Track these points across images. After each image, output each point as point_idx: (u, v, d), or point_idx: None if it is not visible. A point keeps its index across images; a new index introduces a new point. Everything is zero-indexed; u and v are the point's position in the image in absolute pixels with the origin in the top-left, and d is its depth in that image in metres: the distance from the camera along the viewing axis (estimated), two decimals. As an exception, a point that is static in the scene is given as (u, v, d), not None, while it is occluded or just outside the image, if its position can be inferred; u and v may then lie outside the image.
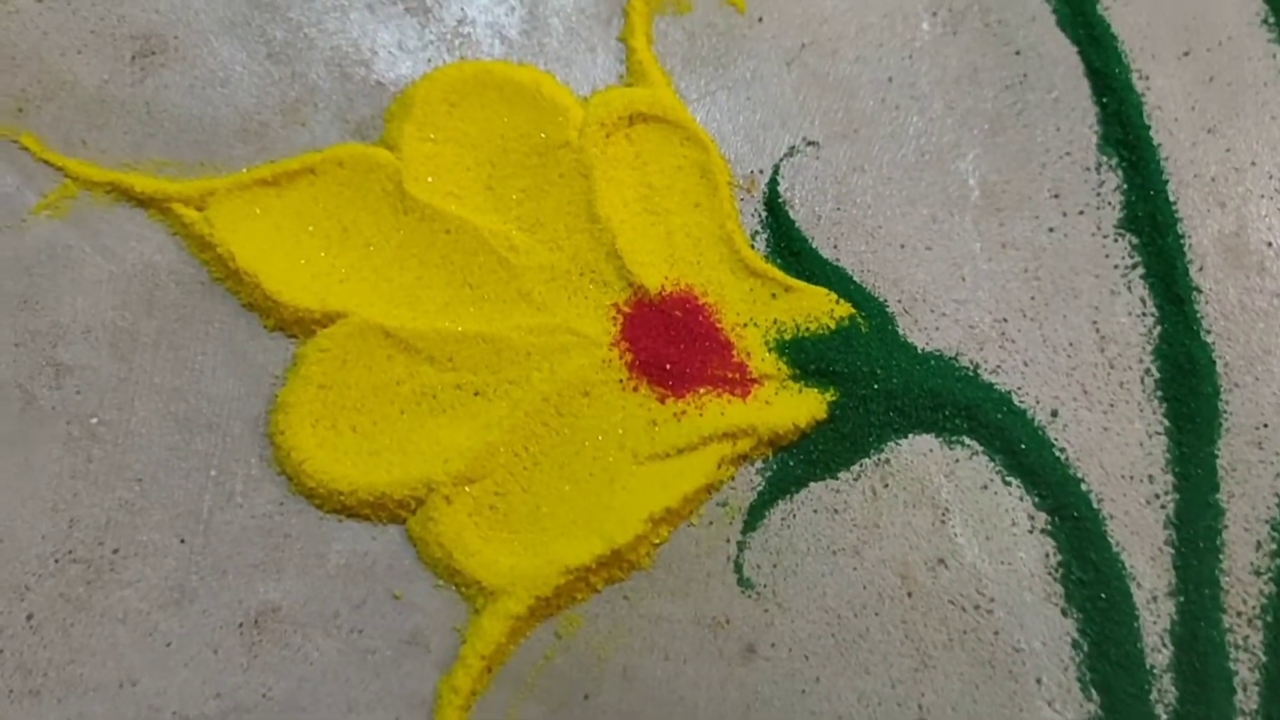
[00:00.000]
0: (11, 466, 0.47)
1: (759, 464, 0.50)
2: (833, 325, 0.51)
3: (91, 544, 0.46)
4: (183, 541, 0.47)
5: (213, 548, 0.47)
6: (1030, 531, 0.49)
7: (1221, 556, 0.49)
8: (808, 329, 0.51)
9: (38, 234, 0.50)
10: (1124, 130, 0.56)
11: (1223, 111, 0.57)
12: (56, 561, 0.46)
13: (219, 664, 0.45)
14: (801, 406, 0.50)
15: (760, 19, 0.58)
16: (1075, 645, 0.47)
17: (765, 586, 0.48)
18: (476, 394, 0.49)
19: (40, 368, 0.48)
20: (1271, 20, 0.59)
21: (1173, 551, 0.49)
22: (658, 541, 0.48)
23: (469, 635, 0.46)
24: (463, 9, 0.56)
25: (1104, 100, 0.56)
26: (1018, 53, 0.58)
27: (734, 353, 0.51)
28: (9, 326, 0.49)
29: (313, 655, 0.46)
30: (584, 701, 0.46)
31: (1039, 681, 0.47)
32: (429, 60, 0.55)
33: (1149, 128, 0.56)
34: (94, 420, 0.48)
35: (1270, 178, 0.55)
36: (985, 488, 0.49)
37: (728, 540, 0.48)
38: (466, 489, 0.48)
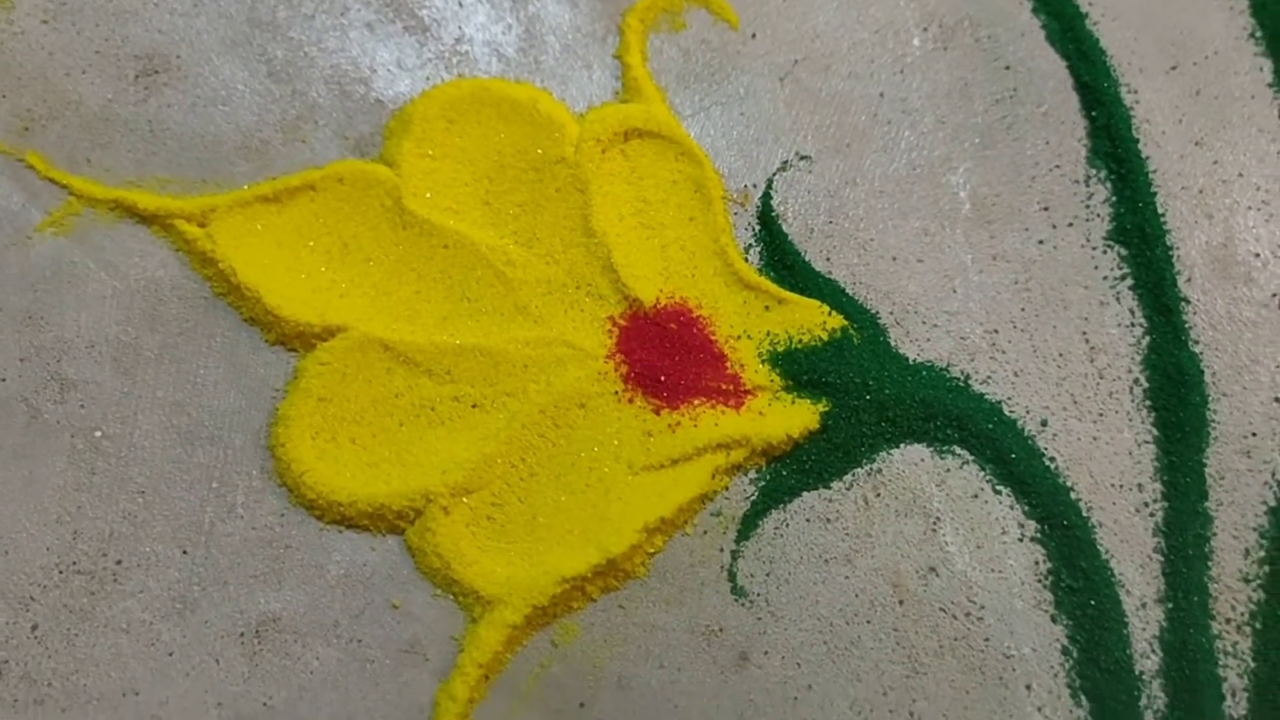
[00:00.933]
0: (16, 479, 0.48)
1: (752, 474, 0.50)
2: (825, 337, 0.52)
3: (95, 555, 0.47)
4: (185, 552, 0.47)
5: (214, 559, 0.47)
6: (1020, 540, 0.49)
7: (1210, 564, 0.49)
8: (800, 341, 0.52)
9: (43, 251, 0.51)
10: (1113, 143, 0.56)
11: (1210, 124, 0.57)
12: (60, 573, 0.47)
13: (220, 673, 0.46)
14: (794, 417, 0.50)
15: (753, 35, 0.58)
16: (1065, 652, 0.48)
17: (759, 595, 0.48)
18: (474, 406, 0.50)
19: (45, 382, 0.49)
20: (1259, 34, 0.59)
21: (1162, 559, 0.49)
22: (653, 551, 0.49)
23: (466, 644, 0.47)
24: (460, 27, 0.57)
25: (1093, 114, 0.57)
26: (1007, 68, 0.58)
27: (728, 364, 0.51)
28: (14, 342, 0.49)
29: (313, 664, 0.46)
30: (580, 709, 0.46)
31: (1029, 688, 0.47)
32: (427, 78, 0.56)
33: (1137, 141, 0.57)
34: (98, 434, 0.49)
35: (1257, 189, 0.56)
36: (976, 497, 0.50)
37: (722, 549, 0.49)
38: (464, 500, 0.48)
